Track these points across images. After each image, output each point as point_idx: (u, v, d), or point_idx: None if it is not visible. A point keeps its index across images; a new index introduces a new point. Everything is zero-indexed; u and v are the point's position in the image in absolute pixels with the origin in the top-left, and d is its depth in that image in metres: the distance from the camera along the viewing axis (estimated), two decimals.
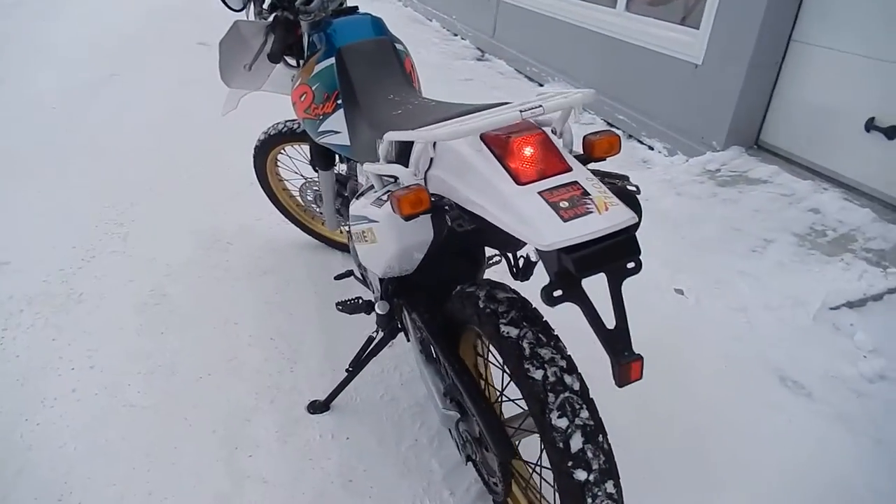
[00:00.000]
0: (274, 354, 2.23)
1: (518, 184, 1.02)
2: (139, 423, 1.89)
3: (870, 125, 3.26)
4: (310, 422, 1.95)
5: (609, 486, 1.21)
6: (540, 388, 1.21)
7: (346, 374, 1.96)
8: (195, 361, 2.16)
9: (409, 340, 1.78)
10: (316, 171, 2.47)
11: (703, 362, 2.33)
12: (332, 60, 1.78)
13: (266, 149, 2.61)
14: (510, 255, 1.61)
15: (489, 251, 1.72)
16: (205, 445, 1.83)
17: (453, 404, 1.53)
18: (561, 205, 0.98)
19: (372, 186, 1.43)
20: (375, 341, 1.90)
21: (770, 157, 3.81)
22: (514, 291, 1.40)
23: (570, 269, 0.93)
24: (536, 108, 1.05)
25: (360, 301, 1.96)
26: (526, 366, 1.24)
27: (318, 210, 2.68)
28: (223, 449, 1.82)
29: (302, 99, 1.89)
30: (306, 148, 2.58)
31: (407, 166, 1.24)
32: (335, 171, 2.41)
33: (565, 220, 0.95)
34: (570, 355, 1.27)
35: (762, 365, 2.39)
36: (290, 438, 1.88)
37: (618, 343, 0.99)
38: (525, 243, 1.44)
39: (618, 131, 3.82)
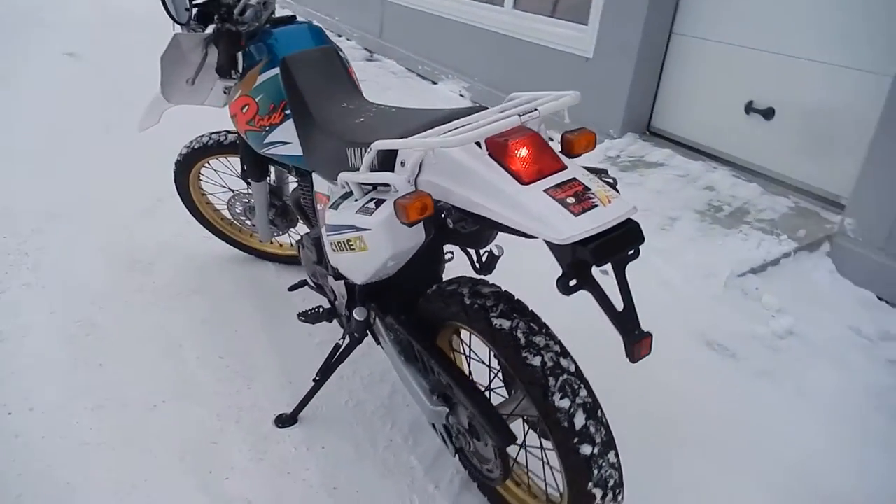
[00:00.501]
0: (227, 374, 2.17)
1: (521, 183, 1.09)
2: (99, 461, 1.79)
3: (749, 108, 3.59)
4: (280, 436, 1.93)
5: (611, 457, 1.30)
6: (540, 374, 1.29)
7: (312, 383, 1.95)
8: (144, 390, 2.06)
9: (379, 344, 1.80)
10: (247, 182, 2.42)
11: None
12: (277, 71, 1.76)
13: (189, 163, 2.52)
14: (473, 250, 1.68)
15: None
16: (176, 474, 1.77)
17: (440, 400, 1.58)
18: (568, 200, 1.05)
19: (347, 195, 1.45)
20: (342, 347, 1.91)
21: (663, 141, 4.11)
22: (496, 286, 1.47)
23: (587, 260, 1.01)
24: (532, 111, 1.12)
25: (322, 310, 1.96)
26: (524, 354, 1.31)
27: (248, 222, 2.62)
28: (197, 475, 1.77)
29: (244, 111, 1.86)
30: (233, 160, 2.52)
31: (391, 172, 1.28)
32: (268, 182, 2.38)
33: (577, 215, 1.03)
34: (560, 340, 1.36)
35: (689, 332, 2.60)
36: (265, 455, 1.86)
37: (628, 323, 1.08)
38: (491, 240, 1.52)
39: None
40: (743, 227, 3.21)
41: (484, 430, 1.43)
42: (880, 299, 2.87)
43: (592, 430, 1.29)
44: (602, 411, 1.31)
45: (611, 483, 1.31)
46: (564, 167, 1.13)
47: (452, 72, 5.71)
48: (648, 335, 1.08)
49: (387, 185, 1.32)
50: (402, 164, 1.26)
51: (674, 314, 2.70)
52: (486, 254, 1.70)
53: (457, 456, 1.64)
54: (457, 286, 1.48)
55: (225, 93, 2.02)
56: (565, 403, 1.28)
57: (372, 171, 1.31)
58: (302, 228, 2.64)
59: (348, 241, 1.37)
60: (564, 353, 1.33)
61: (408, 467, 1.86)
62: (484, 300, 1.40)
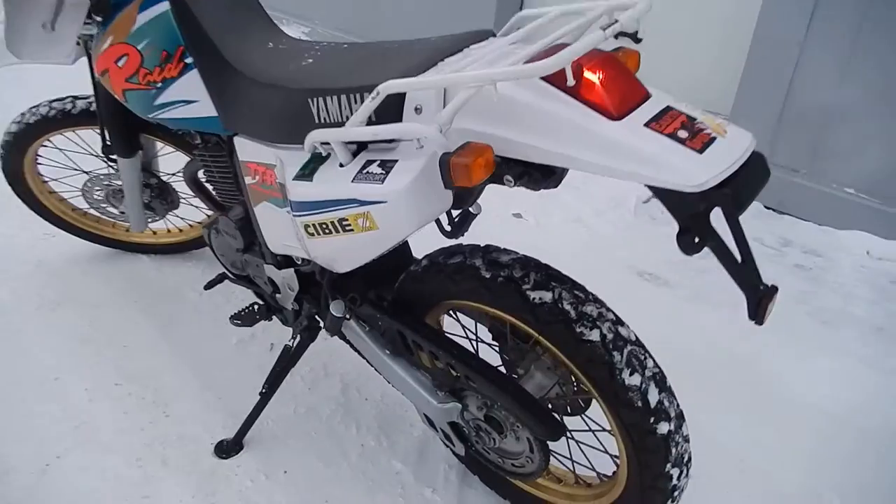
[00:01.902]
0: (132, 403, 1.73)
1: (613, 119, 0.84)
2: None
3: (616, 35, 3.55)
4: (229, 469, 1.56)
5: (684, 429, 1.14)
6: (601, 350, 1.08)
7: (259, 396, 1.59)
8: (28, 449, 1.58)
9: (345, 339, 1.49)
10: (109, 161, 1.92)
11: (567, 272, 2.39)
12: (166, 6, 1.33)
13: (23, 143, 1.94)
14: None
15: None
16: None
17: (449, 395, 1.32)
18: (680, 135, 0.82)
19: (319, 160, 1.11)
20: (293, 349, 1.56)
21: None
22: (513, 251, 1.22)
23: (727, 207, 0.79)
24: (614, 23, 0.86)
25: (258, 307, 1.59)
26: (578, 329, 1.08)
27: (114, 210, 2.11)
28: None
29: (120, 65, 1.40)
30: (86, 134, 1.99)
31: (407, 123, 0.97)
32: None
33: (700, 152, 0.80)
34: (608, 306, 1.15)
35: (617, 264, 2.53)
36: (216, 497, 1.49)
37: (752, 277, 0.89)
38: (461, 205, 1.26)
39: None
40: None
41: (524, 423, 1.20)
42: (767, 208, 2.99)
43: (666, 403, 1.11)
44: (666, 378, 1.14)
45: (685, 458, 1.15)
46: (650, 93, 0.89)
47: (289, 17, 5.16)
48: (775, 289, 0.90)
49: (389, 141, 1.00)
50: (418, 110, 0.96)
51: (597, 249, 2.63)
52: (460, 214, 1.44)
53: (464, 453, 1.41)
54: (463, 258, 1.21)
55: (78, 44, 1.53)
56: (636, 380, 1.08)
57: (369, 124, 0.99)
58: (188, 213, 2.18)
59: (342, 220, 1.04)
60: (619, 320, 1.13)
61: (392, 473, 1.59)
62: (509, 270, 1.15)
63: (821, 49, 2.67)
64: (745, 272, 0.89)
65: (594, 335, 1.09)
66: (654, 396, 1.09)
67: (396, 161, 0.98)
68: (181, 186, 2.09)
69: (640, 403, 1.08)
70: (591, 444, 1.34)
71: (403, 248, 1.45)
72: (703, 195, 0.79)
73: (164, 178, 2.05)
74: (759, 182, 0.83)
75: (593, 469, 1.35)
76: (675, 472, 1.13)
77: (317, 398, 1.78)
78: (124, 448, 1.60)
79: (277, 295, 1.53)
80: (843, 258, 2.69)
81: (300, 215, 1.13)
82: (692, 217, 0.84)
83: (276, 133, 1.20)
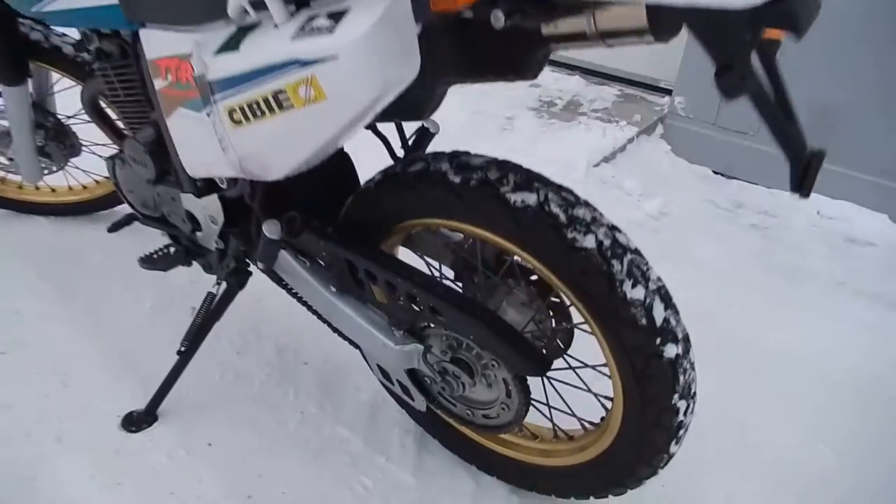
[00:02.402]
0: (23, 374, 1.44)
1: None
2: None
3: None
4: (139, 444, 1.31)
5: (691, 354, 0.97)
6: (598, 258, 0.90)
7: (177, 356, 1.33)
8: None
9: (279, 281, 1.26)
10: None
11: None
12: None
13: None
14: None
15: None
16: None
17: (407, 335, 1.11)
18: None
19: (245, 30, 0.88)
20: (219, 297, 1.32)
21: None
22: (483, 155, 1.03)
23: (788, 23, 0.62)
24: None
25: (175, 250, 1.34)
26: (570, 235, 0.90)
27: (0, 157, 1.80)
28: None
29: None
30: None
31: None
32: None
33: None
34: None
35: None
36: (123, 478, 1.23)
37: (798, 136, 0.73)
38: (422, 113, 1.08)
39: None
40: (581, 119, 3.09)
41: (503, 357, 1.00)
42: (716, 173, 2.92)
43: (673, 322, 0.94)
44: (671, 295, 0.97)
45: (692, 389, 0.98)
46: None
47: None
48: (822, 154, 0.74)
49: None
50: None
51: None
52: (416, 132, 1.24)
53: (424, 408, 1.20)
54: (425, 164, 1.01)
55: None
56: (639, 293, 0.91)
57: None
58: (92, 165, 1.88)
59: (278, 94, 0.82)
60: (615, 225, 0.95)
61: (338, 441, 1.37)
62: (483, 173, 0.96)
63: None
64: (789, 130, 0.72)
65: (589, 241, 0.90)
66: (659, 313, 0.92)
67: (349, 9, 0.76)
68: (84, 131, 1.81)
69: (644, 321, 0.90)
70: (575, 386, 1.15)
71: (349, 170, 1.23)
72: (757, 14, 0.61)
73: (62, 120, 1.76)
74: (814, 4, 0.66)
75: (575, 416, 1.17)
76: (681, 404, 0.96)
77: (247, 363, 1.54)
78: (11, 423, 1.31)
79: (198, 233, 1.28)
80: (795, 218, 2.63)
81: (224, 97, 0.90)
82: (735, 51, 0.66)
83: (191, 9, 0.96)
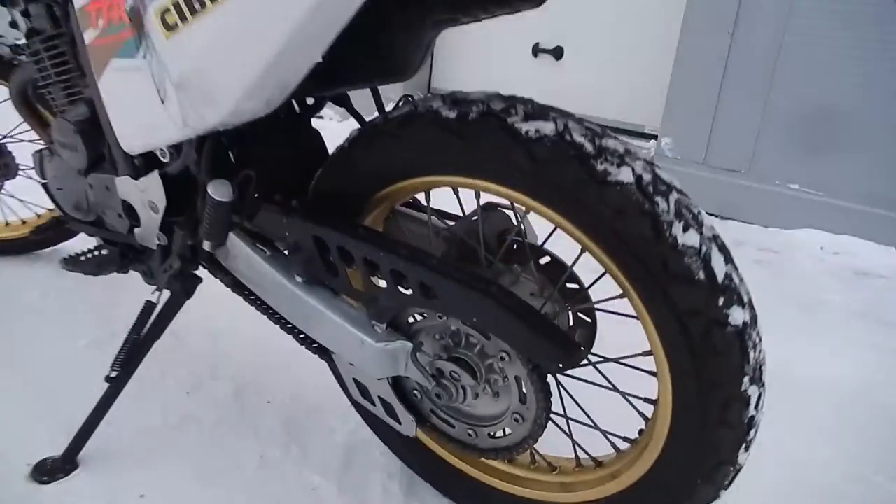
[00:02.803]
0: None
1: None
2: None
3: (536, 50, 3.40)
4: (51, 497, 1.03)
5: (759, 326, 0.75)
6: (638, 194, 0.69)
7: (107, 385, 1.08)
8: None
9: (233, 283, 1.03)
10: None
11: None
12: None
13: None
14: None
15: None
16: None
17: (392, 331, 0.88)
18: None
19: None
20: (160, 308, 1.08)
21: None
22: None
23: None
24: None
25: (108, 252, 1.12)
26: (600, 167, 0.70)
27: None
28: None
29: None
30: None
31: None
32: None
33: None
34: None
35: None
36: None
37: None
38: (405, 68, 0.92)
39: None
40: None
41: (521, 345, 0.78)
42: (710, 214, 2.78)
43: (737, 280, 0.73)
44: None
45: (764, 374, 0.76)
46: None
47: None
48: None
49: None
50: None
51: None
52: (399, 103, 1.05)
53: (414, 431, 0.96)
54: (412, 107, 0.82)
55: None
56: (693, 238, 0.70)
57: None
58: (32, 194, 1.67)
59: None
60: (653, 161, 0.76)
61: (307, 488, 1.10)
62: (484, 105, 0.77)
63: (746, 59, 2.56)
64: None
65: (624, 174, 0.71)
66: (720, 266, 0.71)
67: None
68: (22, 154, 1.60)
69: (702, 275, 0.69)
70: (603, 386, 0.92)
71: (319, 146, 1.03)
72: None
73: None
74: None
75: (604, 433, 0.93)
76: (752, 392, 0.74)
77: (198, 404, 1.28)
78: None
79: (137, 230, 1.06)
80: (799, 254, 2.48)
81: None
82: None
83: None
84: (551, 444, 0.96)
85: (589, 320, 0.96)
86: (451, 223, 0.99)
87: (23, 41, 1.15)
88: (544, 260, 0.96)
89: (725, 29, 2.57)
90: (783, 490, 1.19)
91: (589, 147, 0.71)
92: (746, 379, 0.72)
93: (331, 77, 0.94)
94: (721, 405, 0.73)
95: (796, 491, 1.18)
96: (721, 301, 0.70)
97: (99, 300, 1.61)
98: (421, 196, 0.96)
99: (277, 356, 1.45)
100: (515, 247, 0.97)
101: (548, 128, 0.73)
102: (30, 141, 1.54)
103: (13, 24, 1.18)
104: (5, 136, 1.57)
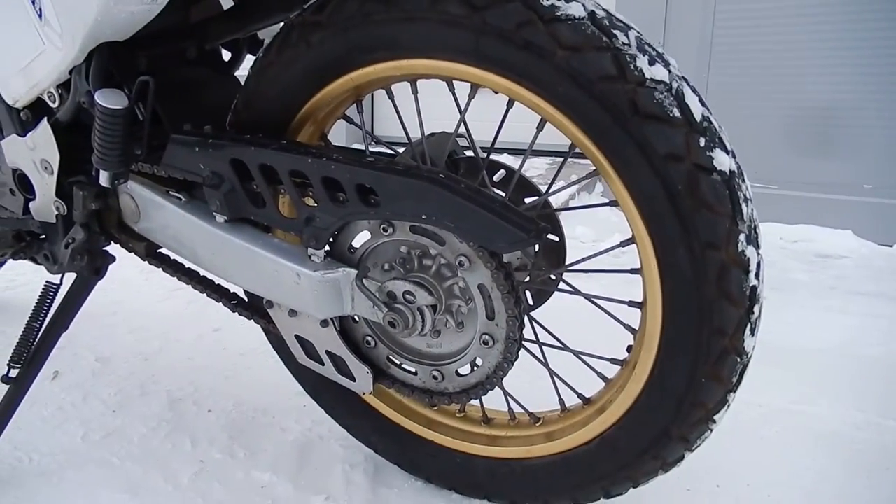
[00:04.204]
0: None
1: None
2: None
3: None
4: None
5: (748, 180, 0.66)
6: (593, 28, 0.61)
7: (5, 386, 0.91)
8: None
9: (149, 252, 0.90)
10: None
11: None
12: None
13: None
14: None
15: None
16: None
17: (331, 260, 0.76)
18: None
19: None
20: (66, 294, 0.93)
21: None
22: None
23: None
24: None
25: None
26: (546, 2, 0.62)
27: None
28: None
29: None
30: None
31: None
32: None
33: None
34: None
35: None
36: None
37: None
38: None
39: None
40: None
41: (481, 230, 0.66)
42: None
43: (716, 124, 0.64)
44: None
45: (760, 236, 0.66)
46: None
47: None
48: None
49: None
50: None
51: None
52: None
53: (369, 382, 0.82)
54: None
55: None
56: (660, 72, 0.62)
57: None
58: None
59: None
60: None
61: (256, 487, 0.94)
62: None
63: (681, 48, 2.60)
64: None
65: (575, 9, 0.62)
66: (695, 104, 0.62)
67: None
68: None
69: (676, 112, 0.60)
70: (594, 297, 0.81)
71: (235, 84, 0.93)
72: None
73: None
74: None
75: (590, 367, 0.81)
76: (751, 254, 0.63)
77: (125, 420, 1.11)
78: None
79: (32, 205, 0.92)
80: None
81: None
82: None
83: None
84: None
85: (556, 238, 0.85)
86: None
87: None
88: (498, 176, 0.86)
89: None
90: (787, 440, 1.07)
91: (592, 27, 0.62)
92: (742, 238, 0.62)
93: (244, 13, 0.86)
94: (718, 273, 0.63)
95: (801, 440, 1.07)
96: (702, 142, 0.60)
97: (8, 339, 1.43)
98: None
99: (218, 367, 1.31)
100: (465, 168, 0.87)
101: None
102: None
103: None
104: None
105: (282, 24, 0.78)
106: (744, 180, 0.64)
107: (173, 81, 0.84)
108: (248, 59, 1.01)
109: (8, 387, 0.92)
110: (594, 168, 0.68)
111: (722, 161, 0.61)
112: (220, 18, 0.89)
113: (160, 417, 1.12)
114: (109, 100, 0.71)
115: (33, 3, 0.72)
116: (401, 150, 0.87)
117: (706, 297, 0.64)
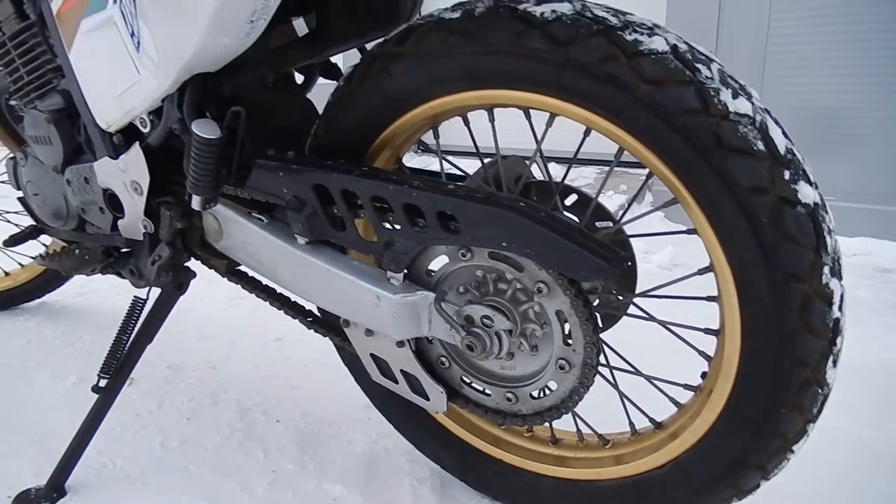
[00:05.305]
0: None
1: None
2: None
3: None
4: None
5: (829, 210, 0.66)
6: (676, 62, 0.62)
7: (96, 394, 0.96)
8: None
9: (229, 269, 0.94)
10: None
11: None
12: None
13: None
14: None
15: None
16: None
17: (410, 283, 0.78)
18: None
19: None
20: (151, 307, 0.97)
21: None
22: None
23: None
24: None
25: (86, 249, 1.02)
26: (629, 37, 0.63)
27: None
28: None
29: None
30: None
31: None
32: None
33: None
34: None
35: None
36: None
37: None
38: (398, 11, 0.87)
39: None
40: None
41: (563, 259, 0.67)
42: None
43: (799, 156, 0.64)
44: None
45: (842, 268, 0.66)
46: None
47: None
48: None
49: None
50: None
51: None
52: None
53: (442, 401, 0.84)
54: (410, 24, 0.75)
55: None
56: (744, 105, 0.62)
57: None
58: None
59: None
60: (680, 37, 0.68)
61: (327, 499, 0.97)
62: (489, 4, 0.70)
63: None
64: None
65: (658, 43, 0.63)
66: (779, 137, 0.62)
67: None
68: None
69: (761, 145, 0.61)
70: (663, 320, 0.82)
71: (311, 108, 0.96)
72: None
73: None
74: None
75: (663, 392, 0.81)
76: (834, 286, 0.63)
77: (199, 428, 1.16)
78: None
79: (121, 223, 0.97)
80: None
81: None
82: None
83: None
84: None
85: (628, 263, 0.86)
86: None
87: None
88: (570, 200, 0.87)
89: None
90: (855, 464, 1.05)
91: (613, 20, 0.64)
92: (827, 270, 0.62)
93: (320, 39, 0.88)
94: (801, 305, 0.63)
95: (870, 464, 1.05)
96: (787, 175, 0.61)
97: (85, 345, 1.50)
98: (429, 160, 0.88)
99: (283, 377, 1.34)
100: (536, 192, 0.89)
101: (564, 7, 0.66)
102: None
103: None
104: None
105: (356, 49, 0.81)
106: (827, 212, 0.64)
107: (256, 107, 0.87)
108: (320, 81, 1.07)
109: (96, 398, 0.97)
110: (673, 197, 0.69)
111: (806, 193, 0.61)
112: (296, 44, 0.92)
113: (232, 426, 1.16)
114: (205, 130, 0.75)
115: (132, 35, 0.76)
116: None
117: (788, 328, 0.64)
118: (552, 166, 3.18)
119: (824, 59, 2.38)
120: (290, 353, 1.45)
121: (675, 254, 2.34)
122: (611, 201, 2.80)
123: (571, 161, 0.79)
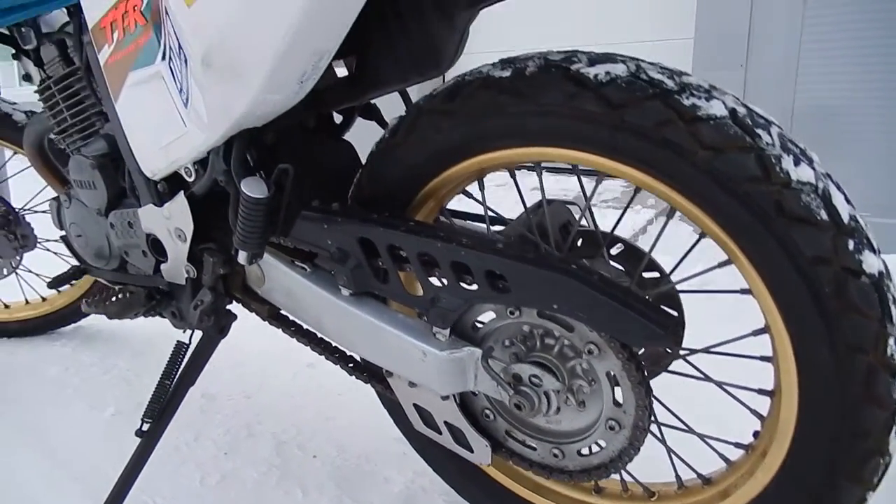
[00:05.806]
0: None
1: None
2: None
3: None
4: None
5: (893, 279, 0.64)
6: (735, 128, 0.61)
7: (138, 439, 0.97)
8: None
9: (271, 314, 0.94)
10: None
11: None
12: None
13: None
14: None
15: None
16: None
17: (454, 338, 0.78)
18: None
19: None
20: (192, 350, 0.98)
21: None
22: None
23: None
24: None
25: (130, 294, 1.03)
26: (687, 102, 0.62)
27: None
28: None
29: None
30: None
31: None
32: None
33: None
34: None
35: None
36: None
37: None
38: (440, 60, 0.85)
39: None
40: (594, 209, 2.88)
41: (616, 325, 0.66)
42: None
43: (862, 223, 0.62)
44: None
45: None
46: None
47: None
48: None
49: None
50: None
51: None
52: None
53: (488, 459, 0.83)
54: (456, 81, 0.75)
55: None
56: (807, 173, 0.61)
57: None
58: (47, 267, 1.61)
59: None
60: (741, 100, 0.66)
61: None
62: (541, 59, 0.69)
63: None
64: None
65: (716, 108, 0.61)
66: (842, 204, 0.61)
67: None
68: (40, 227, 1.55)
69: (824, 214, 0.59)
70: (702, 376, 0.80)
71: (353, 158, 0.96)
72: None
73: (15, 208, 1.51)
74: None
75: (712, 448, 0.80)
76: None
77: (237, 463, 1.16)
78: None
79: (164, 267, 0.98)
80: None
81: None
82: None
83: None
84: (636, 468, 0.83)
85: (675, 313, 0.84)
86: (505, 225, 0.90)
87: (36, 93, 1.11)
88: (616, 250, 0.86)
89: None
90: None
91: (670, 83, 0.63)
92: (892, 341, 0.60)
93: (361, 82, 0.88)
94: (865, 376, 0.61)
95: None
96: (851, 245, 0.59)
97: (122, 373, 1.52)
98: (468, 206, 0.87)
99: (317, 408, 1.34)
100: (582, 240, 0.87)
101: (618, 69, 0.65)
102: (45, 212, 1.49)
103: (26, 77, 1.15)
104: (23, 209, 1.52)
105: (397, 93, 0.81)
106: (891, 280, 0.62)
107: (299, 156, 0.87)
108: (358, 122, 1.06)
109: (140, 441, 0.97)
110: (727, 258, 0.67)
111: (871, 263, 0.60)
112: (337, 87, 0.92)
113: (269, 462, 1.16)
114: (254, 190, 0.74)
115: (180, 91, 0.76)
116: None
117: (850, 398, 0.62)
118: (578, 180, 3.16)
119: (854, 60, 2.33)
120: (322, 380, 1.45)
121: None
122: (638, 216, 2.77)
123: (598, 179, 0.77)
